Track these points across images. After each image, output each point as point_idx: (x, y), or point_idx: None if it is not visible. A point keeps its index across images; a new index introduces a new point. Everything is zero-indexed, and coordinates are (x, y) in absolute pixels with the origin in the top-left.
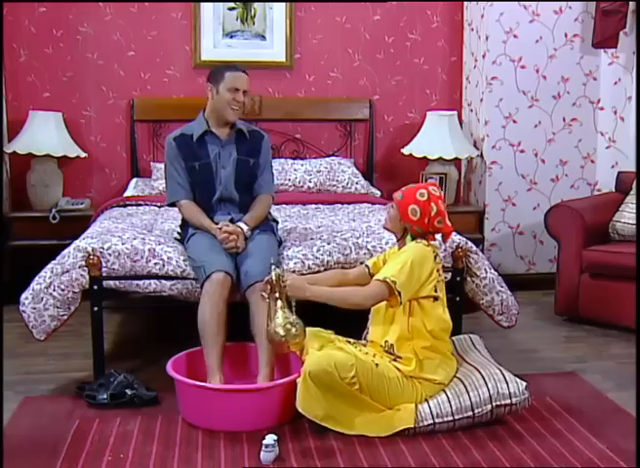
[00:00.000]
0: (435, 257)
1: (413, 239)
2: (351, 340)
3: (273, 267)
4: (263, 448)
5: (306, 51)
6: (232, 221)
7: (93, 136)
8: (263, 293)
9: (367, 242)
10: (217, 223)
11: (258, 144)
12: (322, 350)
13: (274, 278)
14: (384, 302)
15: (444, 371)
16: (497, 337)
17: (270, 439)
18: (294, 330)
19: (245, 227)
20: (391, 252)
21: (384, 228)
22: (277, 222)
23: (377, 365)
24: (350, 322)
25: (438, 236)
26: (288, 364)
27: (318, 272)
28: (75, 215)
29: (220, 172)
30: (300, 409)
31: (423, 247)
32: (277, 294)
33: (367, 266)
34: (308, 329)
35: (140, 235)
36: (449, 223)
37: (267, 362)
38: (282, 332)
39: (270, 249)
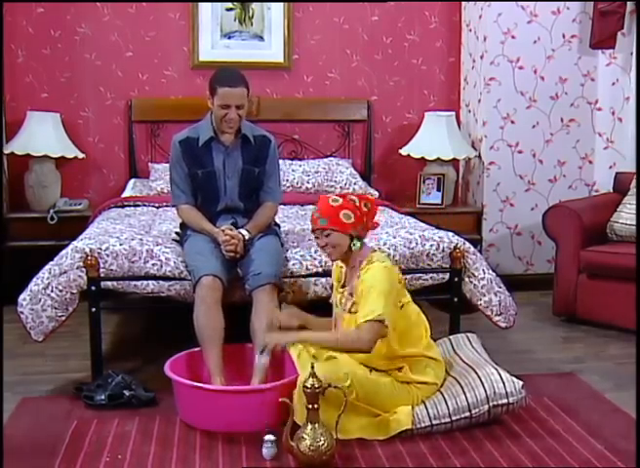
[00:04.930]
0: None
1: (359, 241)
2: None
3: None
4: (265, 443)
5: (304, 51)
6: (235, 225)
7: (91, 137)
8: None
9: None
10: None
11: (264, 151)
12: (316, 361)
13: (316, 385)
14: (352, 327)
15: (432, 371)
16: (494, 338)
17: (270, 437)
18: (323, 445)
19: (246, 234)
20: (338, 271)
21: (334, 260)
22: (279, 226)
23: (370, 371)
24: None
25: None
26: (282, 364)
27: (317, 273)
28: (73, 216)
29: (226, 182)
30: (297, 421)
31: (388, 266)
32: (311, 406)
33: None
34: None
35: (137, 236)
36: (367, 195)
37: (261, 367)
38: (312, 453)
39: (277, 252)
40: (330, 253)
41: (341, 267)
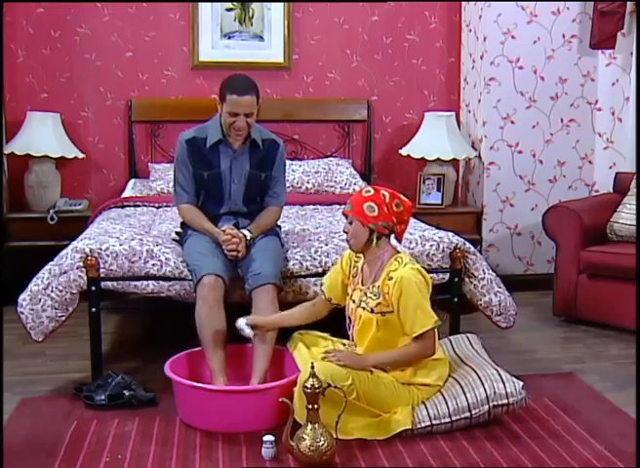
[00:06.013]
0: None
1: (379, 237)
2: (346, 342)
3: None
4: (265, 444)
5: (304, 52)
6: (237, 226)
7: (91, 137)
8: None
9: None
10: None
11: (272, 155)
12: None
13: (316, 385)
14: (372, 326)
15: (437, 373)
16: (495, 338)
17: (269, 438)
18: (323, 445)
19: (248, 235)
20: (346, 259)
21: (355, 252)
22: (280, 227)
23: (371, 371)
24: (345, 323)
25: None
26: (282, 364)
27: (317, 273)
28: (73, 216)
29: (231, 186)
30: (297, 419)
31: (421, 270)
32: (311, 406)
33: (325, 296)
34: (305, 331)
35: (137, 236)
36: (405, 199)
37: (261, 368)
38: (312, 453)
39: (278, 253)
40: (349, 241)
41: (357, 261)
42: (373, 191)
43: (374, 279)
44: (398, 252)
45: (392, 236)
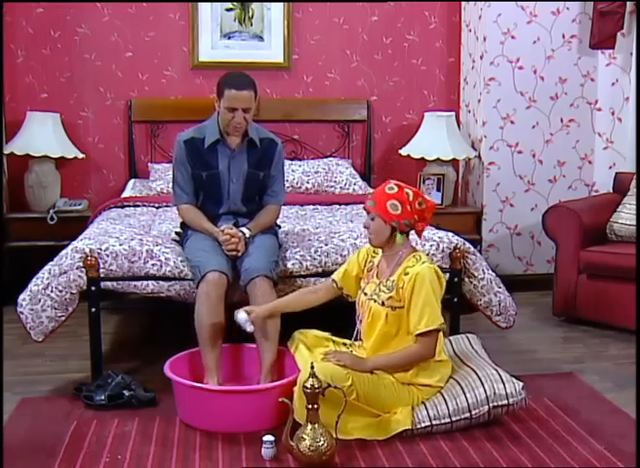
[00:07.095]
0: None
1: (401, 234)
2: (347, 342)
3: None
4: (265, 444)
5: (304, 52)
6: (236, 225)
7: (90, 137)
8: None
9: (364, 243)
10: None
11: (270, 154)
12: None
13: (316, 385)
14: (381, 319)
15: (439, 374)
16: (494, 338)
17: (269, 438)
18: (323, 445)
19: (247, 232)
20: (363, 254)
21: (373, 246)
22: (279, 227)
23: (371, 372)
24: (346, 323)
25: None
26: (282, 364)
27: (317, 273)
28: (73, 217)
29: (230, 186)
30: (297, 419)
31: (437, 269)
32: (311, 406)
33: (334, 281)
34: (305, 330)
35: (137, 236)
36: (429, 198)
37: (267, 366)
38: (311, 453)
39: (272, 248)
40: (370, 237)
41: (374, 256)
42: (396, 189)
43: (390, 273)
44: (416, 250)
45: (411, 232)
